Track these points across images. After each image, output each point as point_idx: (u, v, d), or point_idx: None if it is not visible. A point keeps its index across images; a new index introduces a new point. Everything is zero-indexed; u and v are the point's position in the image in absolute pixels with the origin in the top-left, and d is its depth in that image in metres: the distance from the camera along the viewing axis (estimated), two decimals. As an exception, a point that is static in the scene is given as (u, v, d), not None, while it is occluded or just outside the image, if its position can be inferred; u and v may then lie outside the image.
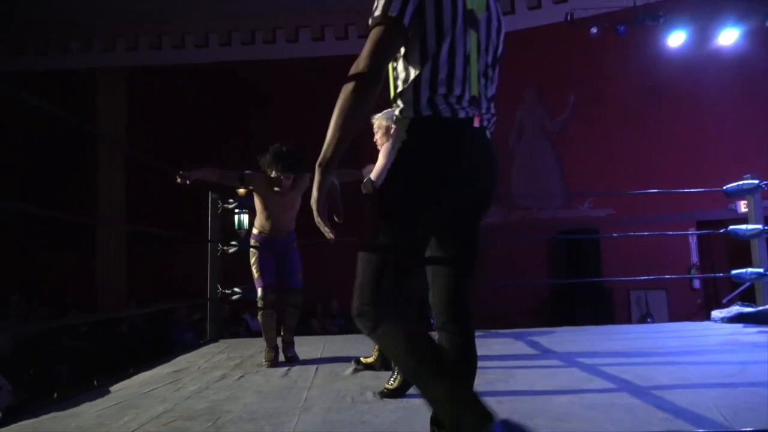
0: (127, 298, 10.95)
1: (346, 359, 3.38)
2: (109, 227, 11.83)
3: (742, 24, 8.42)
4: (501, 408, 2.22)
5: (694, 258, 10.06)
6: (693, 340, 3.98)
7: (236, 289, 4.72)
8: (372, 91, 1.35)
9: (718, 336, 4.05)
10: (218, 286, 4.83)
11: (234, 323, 8.29)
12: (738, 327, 4.45)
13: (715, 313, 5.00)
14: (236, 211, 6.94)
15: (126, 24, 11.79)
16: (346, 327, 8.50)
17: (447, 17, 1.42)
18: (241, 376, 3.12)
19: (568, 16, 8.60)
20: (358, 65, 1.36)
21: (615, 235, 6.88)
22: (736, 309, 4.84)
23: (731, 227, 5.04)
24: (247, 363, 3.60)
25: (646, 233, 7.46)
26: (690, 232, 9.37)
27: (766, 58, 9.15)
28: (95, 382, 3.01)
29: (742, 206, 9.31)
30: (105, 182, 11.80)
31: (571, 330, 4.76)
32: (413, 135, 1.43)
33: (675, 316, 9.40)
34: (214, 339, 4.83)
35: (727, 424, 1.89)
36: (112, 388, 2.85)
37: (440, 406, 1.31)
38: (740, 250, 7.77)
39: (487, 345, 3.83)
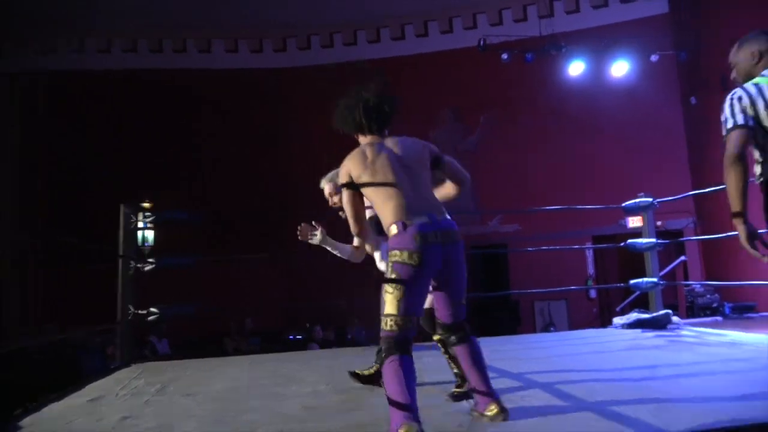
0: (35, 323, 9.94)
1: (281, 377, 3.29)
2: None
3: (630, 57, 9.33)
4: (449, 419, 2.24)
5: (591, 270, 10.86)
6: (601, 346, 4.28)
7: (153, 309, 4.43)
8: None
9: (622, 341, 4.39)
10: (130, 306, 4.52)
11: (139, 346, 7.76)
12: (637, 332, 4.84)
13: (616, 320, 5.40)
14: (141, 226, 6.52)
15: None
16: (263, 346, 8.27)
17: None
18: (168, 402, 2.93)
19: (481, 42, 9.08)
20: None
21: (530, 249, 7.24)
22: (634, 316, 5.24)
23: (629, 241, 5.47)
24: (170, 387, 3.38)
25: (550, 248, 7.95)
26: (589, 246, 10.13)
27: (650, 89, 10.20)
28: (-2, 419, 2.69)
29: (631, 222, 10.21)
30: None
31: (491, 341, 4.95)
32: None
33: (574, 325, 10.07)
34: (127, 363, 4.49)
35: (656, 423, 2.06)
36: (23, 423, 2.56)
37: None
38: (630, 262, 8.53)
39: (419, 359, 3.85)
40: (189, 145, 10.96)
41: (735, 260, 8.97)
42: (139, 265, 4.47)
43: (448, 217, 2.27)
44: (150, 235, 9.16)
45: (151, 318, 4.45)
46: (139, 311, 4.48)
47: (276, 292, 10.50)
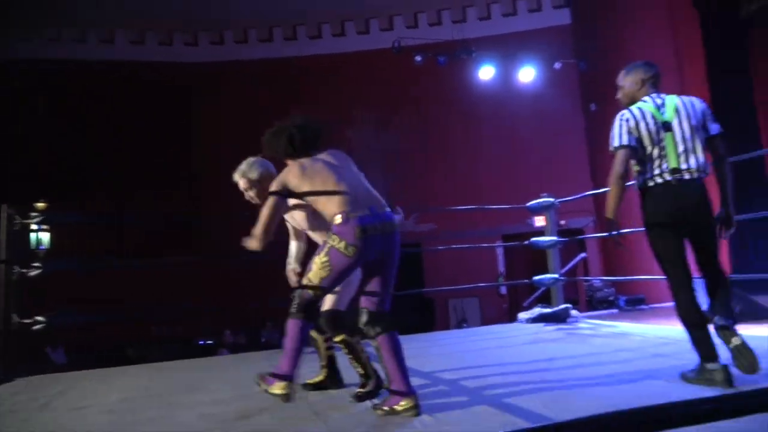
0: None
1: (182, 386, 3.13)
2: None
3: (536, 64, 9.81)
4: (352, 419, 2.24)
5: (501, 268, 11.31)
6: (507, 341, 4.44)
7: (39, 318, 4.08)
8: None
9: (525, 335, 4.58)
10: (14, 315, 4.12)
11: (31, 358, 7.14)
12: (540, 326, 5.07)
13: (521, 315, 5.63)
14: (34, 228, 6.02)
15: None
16: (170, 353, 7.86)
17: None
18: (51, 418, 2.70)
19: (396, 43, 9.17)
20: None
21: (441, 248, 7.37)
22: (537, 310, 5.48)
23: (533, 239, 5.73)
24: (55, 402, 3.12)
25: (461, 246, 8.17)
26: (499, 244, 10.53)
27: (555, 95, 10.76)
28: None
29: (537, 221, 10.73)
30: None
31: (403, 339, 5.00)
32: None
33: (486, 320, 10.44)
34: (8, 378, 4.10)
35: (547, 413, 2.15)
36: None
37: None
38: (537, 259, 8.96)
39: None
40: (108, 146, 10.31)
41: (629, 256, 9.66)
42: (24, 270, 4.09)
43: (388, 210, 2.46)
44: (45, 237, 8.46)
45: (36, 327, 4.09)
46: (25, 320, 4.11)
47: (184, 296, 10.08)
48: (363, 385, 2.66)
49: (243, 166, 2.84)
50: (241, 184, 2.85)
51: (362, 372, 2.66)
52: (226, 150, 10.38)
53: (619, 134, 2.57)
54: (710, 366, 2.38)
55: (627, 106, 2.65)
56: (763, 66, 8.49)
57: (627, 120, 2.55)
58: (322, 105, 11.06)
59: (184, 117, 10.87)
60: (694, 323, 2.47)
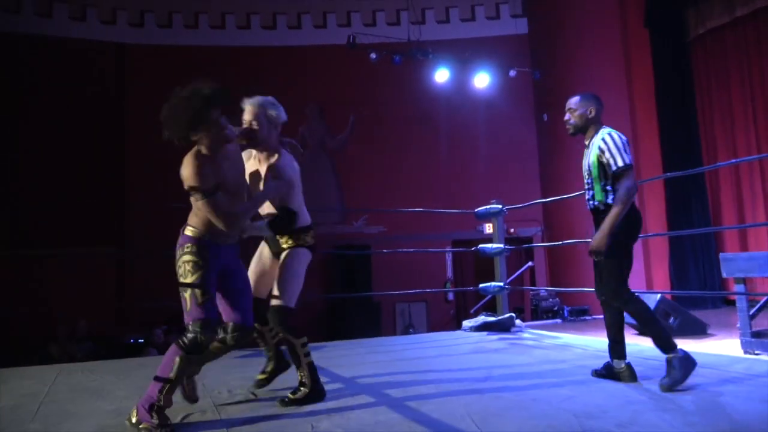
0: None
1: (85, 391, 2.81)
2: None
3: (491, 71, 9.80)
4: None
5: (449, 273, 11.24)
6: (447, 349, 4.29)
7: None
8: None
9: (467, 344, 4.45)
10: None
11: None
12: (483, 335, 4.96)
13: (465, 323, 5.50)
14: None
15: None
16: (97, 352, 7.36)
17: None
18: None
19: (351, 39, 8.94)
20: None
21: (386, 251, 7.18)
22: (481, 318, 5.37)
23: (480, 246, 5.62)
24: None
25: (408, 250, 8.00)
26: (448, 250, 10.46)
27: (508, 102, 10.80)
28: None
29: (487, 228, 10.73)
30: None
31: (342, 344, 4.79)
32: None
33: (433, 326, 10.34)
34: None
35: (478, 433, 1.98)
36: None
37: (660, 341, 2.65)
38: (485, 266, 8.92)
39: (251, 364, 3.54)
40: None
41: (573, 267, 9.77)
42: None
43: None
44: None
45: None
46: None
47: (112, 290, 9.54)
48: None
49: (265, 99, 2.65)
50: (250, 115, 2.59)
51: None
52: (160, 140, 9.95)
53: (626, 152, 2.74)
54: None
55: (578, 131, 2.92)
56: (706, 85, 8.76)
57: (627, 141, 2.80)
58: (274, 97, 10.75)
59: (117, 102, 10.32)
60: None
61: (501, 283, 5.45)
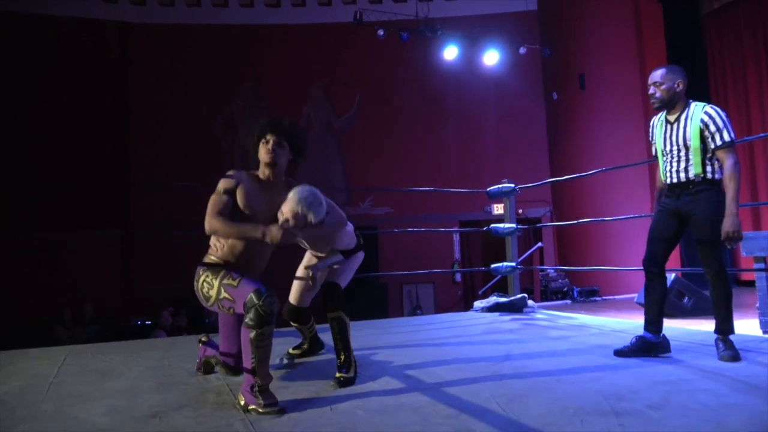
0: None
1: (95, 372, 2.74)
2: None
3: (501, 48, 9.60)
4: (281, 422, 1.97)
5: (457, 254, 11.17)
6: (461, 330, 4.22)
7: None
8: None
9: (481, 325, 4.37)
10: None
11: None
12: (495, 315, 4.88)
13: (477, 304, 5.43)
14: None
15: None
16: (103, 334, 7.34)
17: None
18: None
19: (358, 15, 8.76)
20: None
21: (396, 230, 7.10)
22: (493, 299, 5.30)
23: (492, 225, 5.51)
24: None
25: (417, 230, 7.91)
26: (456, 230, 10.37)
27: (518, 80, 10.62)
28: None
29: (495, 209, 10.64)
30: None
31: (353, 325, 4.72)
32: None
33: (440, 308, 10.30)
34: None
35: (507, 415, 1.90)
36: None
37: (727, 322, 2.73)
38: (493, 247, 8.85)
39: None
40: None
41: (583, 248, 9.68)
42: None
43: None
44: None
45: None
46: None
47: (117, 273, 9.50)
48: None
49: (311, 198, 2.33)
50: (290, 213, 2.31)
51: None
52: (165, 122, 9.89)
53: (731, 128, 2.72)
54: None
55: (664, 105, 2.84)
56: (719, 61, 8.58)
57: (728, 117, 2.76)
58: (278, 77, 10.57)
59: (121, 80, 10.16)
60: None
61: (513, 264, 5.37)
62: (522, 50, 9.70)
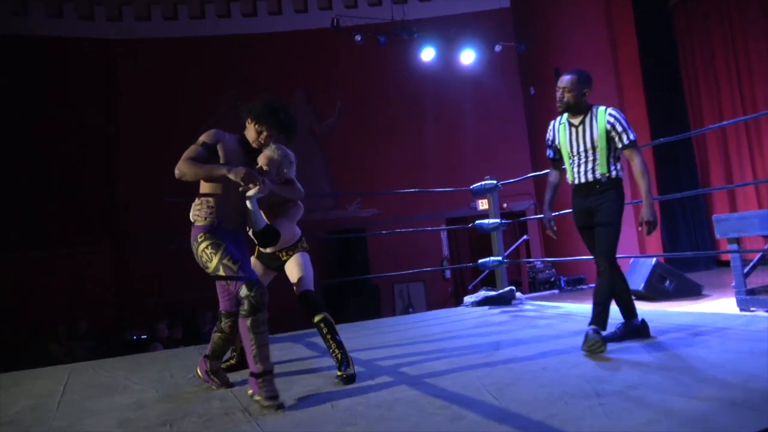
0: None
1: (100, 388, 2.83)
2: None
3: (476, 47, 9.76)
4: (285, 421, 2.09)
5: (445, 251, 11.32)
6: (453, 325, 4.35)
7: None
8: None
9: (471, 319, 4.51)
10: None
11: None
12: (485, 309, 5.02)
13: (466, 299, 5.56)
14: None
15: None
16: (99, 349, 7.37)
17: None
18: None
19: (334, 21, 8.87)
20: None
21: (383, 232, 7.22)
22: (482, 293, 5.43)
23: (477, 222, 5.65)
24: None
25: (405, 230, 8.04)
26: (443, 227, 10.52)
27: (495, 77, 10.79)
28: None
29: (480, 205, 10.79)
30: None
31: (347, 327, 4.83)
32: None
33: (432, 305, 10.43)
34: None
35: (496, 403, 2.04)
36: None
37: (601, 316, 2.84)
38: (480, 241, 8.99)
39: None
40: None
41: (567, 238, 9.87)
42: None
43: None
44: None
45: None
46: None
47: (109, 288, 9.51)
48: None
49: (280, 152, 2.78)
50: (265, 159, 2.73)
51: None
52: (150, 133, 9.91)
53: (632, 130, 2.90)
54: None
55: (569, 109, 2.98)
56: (690, 49, 8.81)
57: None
58: (259, 86, 10.63)
59: (105, 97, 10.19)
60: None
61: (499, 258, 5.51)
62: (497, 48, 9.88)
